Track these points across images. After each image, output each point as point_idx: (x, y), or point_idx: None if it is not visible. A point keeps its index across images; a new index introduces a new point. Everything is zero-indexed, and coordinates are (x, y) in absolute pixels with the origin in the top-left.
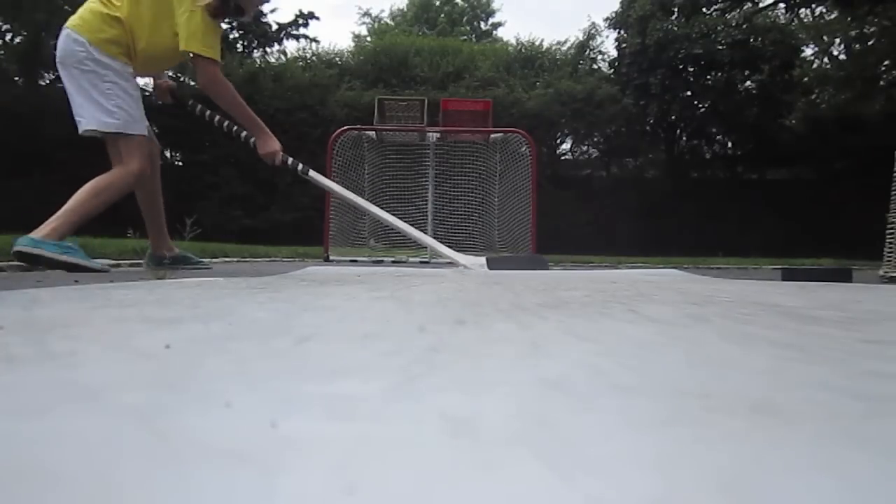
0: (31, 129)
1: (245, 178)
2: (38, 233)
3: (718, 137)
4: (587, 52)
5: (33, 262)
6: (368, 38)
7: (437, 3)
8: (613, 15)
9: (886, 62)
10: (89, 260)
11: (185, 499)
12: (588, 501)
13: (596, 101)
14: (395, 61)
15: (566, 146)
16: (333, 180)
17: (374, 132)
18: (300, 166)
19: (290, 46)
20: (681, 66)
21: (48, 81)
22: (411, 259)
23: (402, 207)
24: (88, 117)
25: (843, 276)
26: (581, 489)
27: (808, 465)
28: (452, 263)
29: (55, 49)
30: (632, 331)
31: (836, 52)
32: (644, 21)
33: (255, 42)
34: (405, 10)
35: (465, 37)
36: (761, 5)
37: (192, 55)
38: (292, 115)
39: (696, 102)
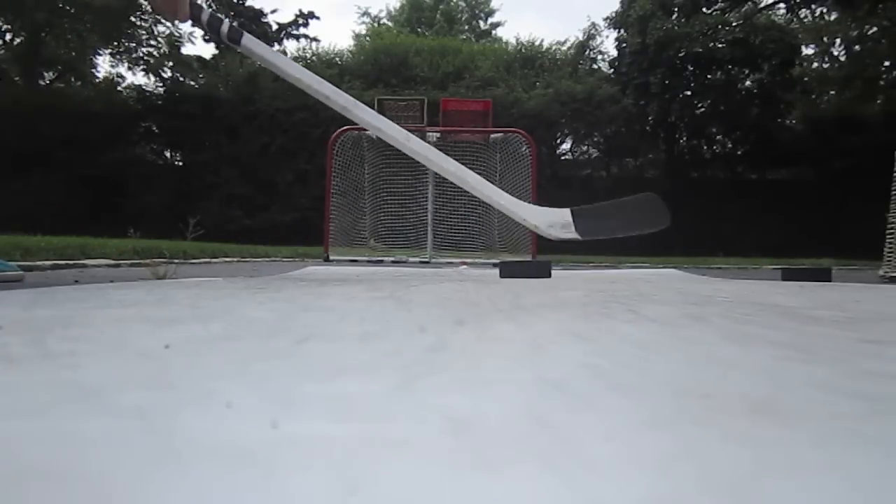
0: (31, 129)
1: (245, 178)
2: None
3: (718, 137)
4: (587, 52)
5: None
6: (367, 38)
7: (430, 2)
8: (614, 15)
9: (886, 62)
10: None
11: (185, 499)
12: (588, 501)
13: (596, 101)
14: (395, 61)
15: (566, 146)
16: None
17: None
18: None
19: (291, 46)
20: (681, 65)
21: (48, 81)
22: (411, 259)
23: (403, 207)
24: None
25: (823, 276)
26: (581, 489)
27: (808, 465)
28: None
29: (55, 49)
30: (632, 331)
31: (836, 52)
32: (644, 20)
33: None
34: (396, 11)
35: (465, 36)
36: (761, 5)
37: None
38: (292, 115)
39: (696, 102)
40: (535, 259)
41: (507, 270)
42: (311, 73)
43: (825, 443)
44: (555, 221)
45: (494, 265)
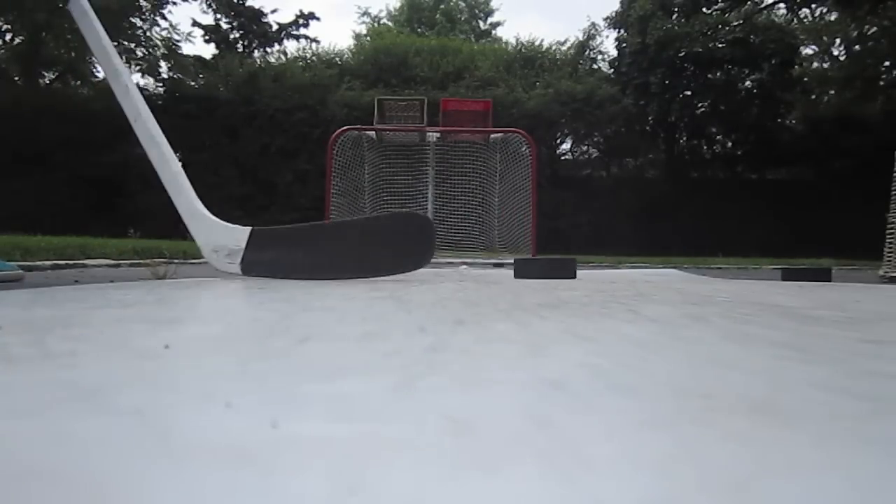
0: (31, 129)
1: (245, 178)
2: None
3: (718, 137)
4: (587, 52)
5: None
6: (368, 38)
7: (431, 2)
8: (614, 15)
9: (886, 62)
10: None
11: (184, 498)
12: (588, 501)
13: (596, 101)
14: (395, 61)
15: (566, 146)
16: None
17: (374, 132)
18: None
19: (291, 46)
20: (681, 65)
21: (48, 81)
22: None
23: (403, 207)
24: None
25: (823, 276)
26: (581, 489)
27: (809, 465)
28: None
29: (55, 49)
30: (632, 331)
31: (836, 52)
32: (644, 20)
33: (256, 42)
34: (396, 11)
35: (465, 36)
36: (761, 5)
37: None
38: (292, 115)
39: (696, 102)
40: (554, 257)
41: (524, 270)
42: (110, 59)
43: (825, 443)
44: (223, 245)
45: (495, 265)
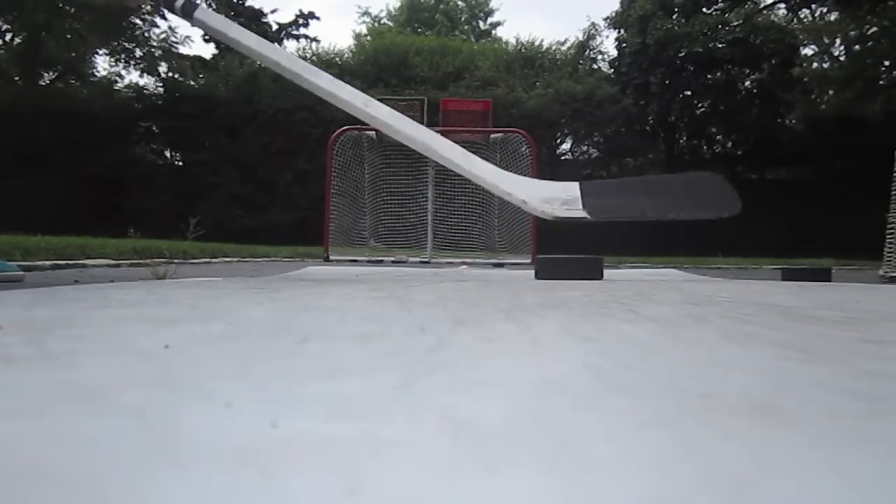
0: (31, 129)
1: (245, 178)
2: None
3: (718, 137)
4: (587, 52)
5: None
6: (368, 38)
7: (431, 2)
8: (614, 15)
9: (886, 62)
10: None
11: (185, 499)
12: (588, 501)
13: (596, 101)
14: (395, 61)
15: (566, 146)
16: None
17: (374, 132)
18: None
19: (291, 46)
20: (681, 65)
21: (48, 81)
22: (411, 259)
23: (403, 207)
24: None
25: (823, 276)
26: (581, 489)
27: (809, 465)
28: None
29: (55, 49)
30: (632, 331)
31: (836, 53)
32: (644, 20)
33: None
34: (396, 11)
35: (465, 36)
36: (761, 5)
37: None
38: (292, 115)
39: (696, 102)
40: (579, 256)
41: (547, 270)
42: (263, 41)
43: (825, 443)
44: (553, 196)
45: (495, 265)
